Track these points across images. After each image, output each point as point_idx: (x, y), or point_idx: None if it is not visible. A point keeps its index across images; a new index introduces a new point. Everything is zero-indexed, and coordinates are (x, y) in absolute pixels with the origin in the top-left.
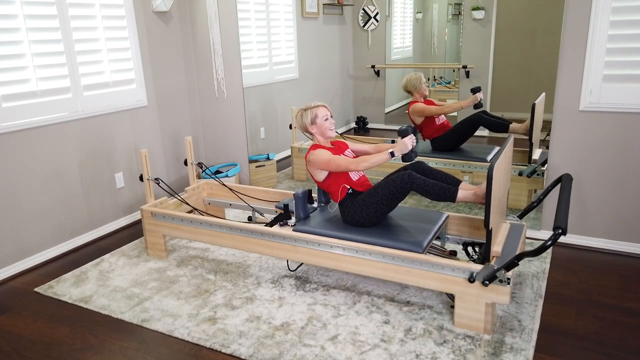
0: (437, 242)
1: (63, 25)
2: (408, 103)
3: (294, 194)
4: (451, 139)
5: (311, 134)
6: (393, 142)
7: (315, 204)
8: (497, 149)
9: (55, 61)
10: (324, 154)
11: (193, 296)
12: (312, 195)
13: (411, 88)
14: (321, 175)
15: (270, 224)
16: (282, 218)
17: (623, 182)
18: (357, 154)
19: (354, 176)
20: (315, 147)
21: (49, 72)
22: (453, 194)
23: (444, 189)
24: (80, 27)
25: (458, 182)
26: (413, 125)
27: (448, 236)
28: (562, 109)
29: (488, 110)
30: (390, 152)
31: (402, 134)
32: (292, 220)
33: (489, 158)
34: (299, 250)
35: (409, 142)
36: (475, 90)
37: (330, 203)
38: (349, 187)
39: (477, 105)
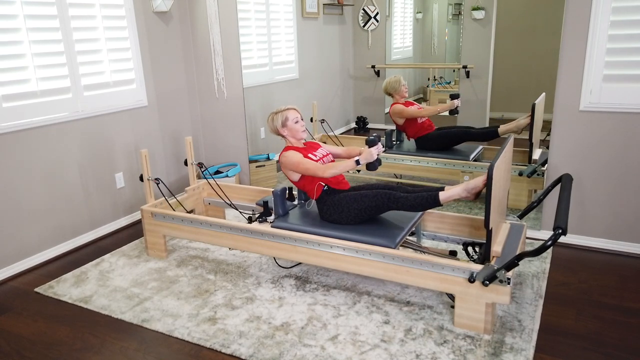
0: (413, 238)
1: (63, 26)
2: (405, 101)
3: (272, 191)
4: (435, 142)
5: (283, 136)
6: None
7: (295, 201)
8: (480, 147)
9: (55, 61)
10: (294, 156)
11: (193, 296)
12: (293, 192)
13: (391, 90)
14: (295, 176)
15: (250, 220)
16: (261, 215)
17: (623, 182)
18: (331, 154)
19: None
20: (287, 149)
21: (49, 72)
22: (435, 198)
23: (424, 197)
24: (80, 27)
25: (439, 188)
26: (395, 125)
27: (424, 232)
28: (562, 109)
29: (488, 110)
30: (356, 160)
31: (370, 143)
32: (272, 217)
33: (471, 157)
34: (299, 250)
35: (375, 152)
36: (453, 97)
37: (308, 201)
38: (324, 184)
39: (453, 111)
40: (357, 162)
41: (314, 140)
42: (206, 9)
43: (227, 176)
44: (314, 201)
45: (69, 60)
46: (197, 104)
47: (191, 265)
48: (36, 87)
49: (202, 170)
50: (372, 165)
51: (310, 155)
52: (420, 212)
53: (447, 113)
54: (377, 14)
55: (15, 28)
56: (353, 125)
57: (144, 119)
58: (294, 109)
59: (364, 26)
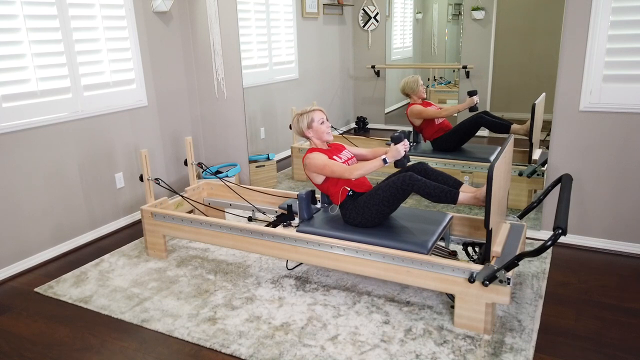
0: (442, 243)
1: (63, 26)
2: (408, 104)
3: (297, 195)
4: (452, 139)
5: (308, 138)
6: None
7: (318, 205)
8: (499, 149)
9: (55, 61)
10: (320, 158)
11: (193, 296)
12: (316, 196)
13: (409, 91)
14: (319, 179)
15: (274, 224)
16: (285, 219)
17: (623, 182)
18: (356, 157)
19: None
20: (311, 150)
21: (49, 72)
22: (454, 197)
23: (444, 191)
24: (80, 27)
25: (459, 183)
26: (412, 127)
27: (452, 237)
28: (562, 109)
29: (488, 110)
30: (383, 159)
31: (395, 140)
32: (296, 221)
33: (491, 158)
34: (299, 250)
35: (402, 148)
36: (471, 94)
37: (331, 206)
38: (348, 189)
39: (473, 108)
40: (385, 161)
41: (337, 142)
42: (206, 9)
43: (227, 176)
44: (337, 207)
45: (69, 61)
46: (197, 104)
47: (191, 265)
48: (36, 87)
49: (202, 170)
50: (400, 163)
51: (335, 157)
52: (449, 216)
53: (455, 114)
54: (377, 14)
55: (15, 28)
56: (353, 125)
57: (144, 119)
58: (320, 110)
59: (364, 26)
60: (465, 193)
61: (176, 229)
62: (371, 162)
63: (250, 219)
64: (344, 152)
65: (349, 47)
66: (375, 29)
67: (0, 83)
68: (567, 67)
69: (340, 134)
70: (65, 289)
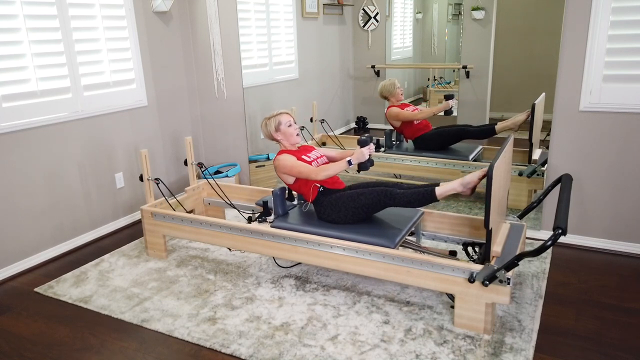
0: (412, 238)
1: (63, 26)
2: (401, 104)
3: (272, 191)
4: (433, 142)
5: (277, 140)
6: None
7: (295, 201)
8: (480, 147)
9: (55, 61)
10: (288, 159)
11: (193, 296)
12: (292, 192)
13: (386, 94)
14: (290, 179)
15: (250, 220)
16: (261, 215)
17: (623, 182)
18: (326, 156)
19: None
20: (281, 152)
21: (49, 72)
22: (432, 194)
23: (421, 193)
24: (80, 27)
25: (435, 184)
26: (393, 127)
27: (424, 232)
28: (562, 109)
29: (488, 110)
30: (348, 161)
31: (362, 144)
32: (272, 217)
33: (470, 157)
34: (299, 250)
35: (367, 152)
36: (448, 97)
37: (305, 204)
38: (319, 186)
39: (448, 112)
40: (350, 163)
41: (308, 144)
42: (206, 9)
43: (227, 176)
44: (310, 204)
45: (69, 60)
46: (197, 104)
47: (191, 265)
48: (36, 87)
49: (202, 170)
50: (363, 165)
51: (304, 157)
52: (420, 212)
53: (442, 113)
54: (377, 14)
55: (15, 28)
56: (353, 125)
57: (144, 119)
58: (287, 113)
59: (364, 26)
60: (443, 186)
61: (176, 229)
62: (337, 164)
63: (250, 220)
64: (313, 152)
65: (349, 47)
66: (375, 29)
67: (0, 83)
68: (567, 67)
69: (329, 135)
70: (65, 289)
